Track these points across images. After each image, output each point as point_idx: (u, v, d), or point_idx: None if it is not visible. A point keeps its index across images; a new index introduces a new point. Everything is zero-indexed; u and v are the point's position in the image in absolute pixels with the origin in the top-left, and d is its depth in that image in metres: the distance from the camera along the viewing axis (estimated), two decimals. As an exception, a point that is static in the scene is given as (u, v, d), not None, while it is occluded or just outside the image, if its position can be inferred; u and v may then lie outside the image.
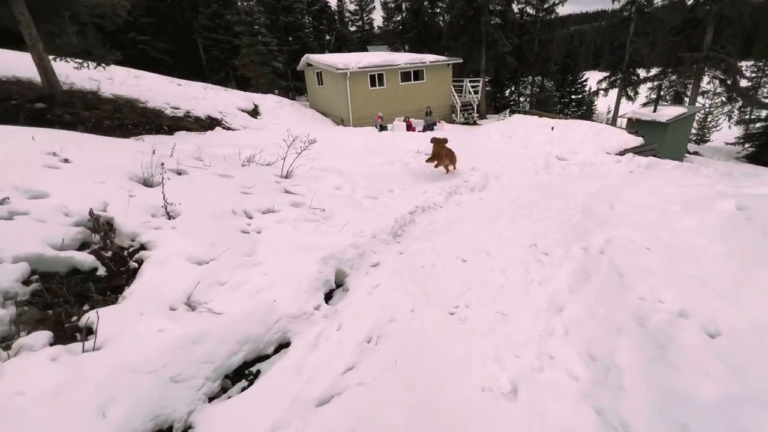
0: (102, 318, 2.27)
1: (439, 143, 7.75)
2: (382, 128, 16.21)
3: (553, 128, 10.28)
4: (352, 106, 18.17)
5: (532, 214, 5.91)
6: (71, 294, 2.50)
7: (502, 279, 3.58)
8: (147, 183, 4.22)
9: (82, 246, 3.00)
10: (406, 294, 3.26)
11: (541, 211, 6.03)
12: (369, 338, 2.71)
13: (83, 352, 1.99)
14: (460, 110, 20.53)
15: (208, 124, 15.38)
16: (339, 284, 3.55)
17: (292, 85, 29.57)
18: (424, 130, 16.43)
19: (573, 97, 35.25)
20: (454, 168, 8.12)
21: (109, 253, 2.97)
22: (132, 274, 2.83)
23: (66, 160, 3.99)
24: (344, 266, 3.58)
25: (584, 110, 34.87)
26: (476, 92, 21.28)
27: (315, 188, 5.89)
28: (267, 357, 2.53)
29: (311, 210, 4.70)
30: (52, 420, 1.59)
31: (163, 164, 4.32)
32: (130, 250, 3.11)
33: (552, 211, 5.97)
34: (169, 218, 3.57)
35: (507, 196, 7.39)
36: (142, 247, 3.11)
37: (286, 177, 6.30)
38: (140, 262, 2.93)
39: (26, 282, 2.49)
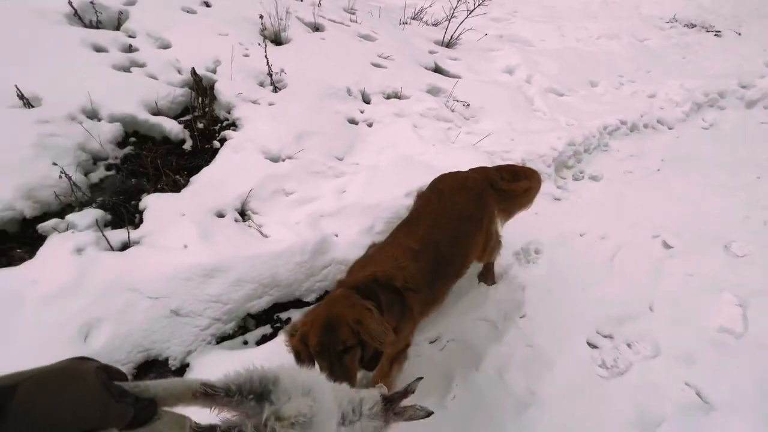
0: (153, 208, 2.08)
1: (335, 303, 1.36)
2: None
3: None
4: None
5: None
6: (152, 167, 2.39)
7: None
8: (276, 39, 3.70)
9: (185, 111, 2.84)
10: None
11: None
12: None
13: (110, 248, 1.84)
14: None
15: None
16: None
17: None
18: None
19: None
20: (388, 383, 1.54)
21: (202, 125, 2.73)
22: (212, 155, 2.54)
23: (206, 4, 3.73)
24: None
25: None
26: None
27: (477, 67, 4.36)
28: (307, 304, 2.04)
29: (452, 102, 3.45)
30: (32, 331, 1.49)
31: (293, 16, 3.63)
32: (224, 123, 2.80)
33: None
34: (275, 90, 3.05)
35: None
36: (233, 124, 2.76)
37: (447, 46, 4.85)
38: (223, 142, 2.60)
39: (121, 144, 2.48)
